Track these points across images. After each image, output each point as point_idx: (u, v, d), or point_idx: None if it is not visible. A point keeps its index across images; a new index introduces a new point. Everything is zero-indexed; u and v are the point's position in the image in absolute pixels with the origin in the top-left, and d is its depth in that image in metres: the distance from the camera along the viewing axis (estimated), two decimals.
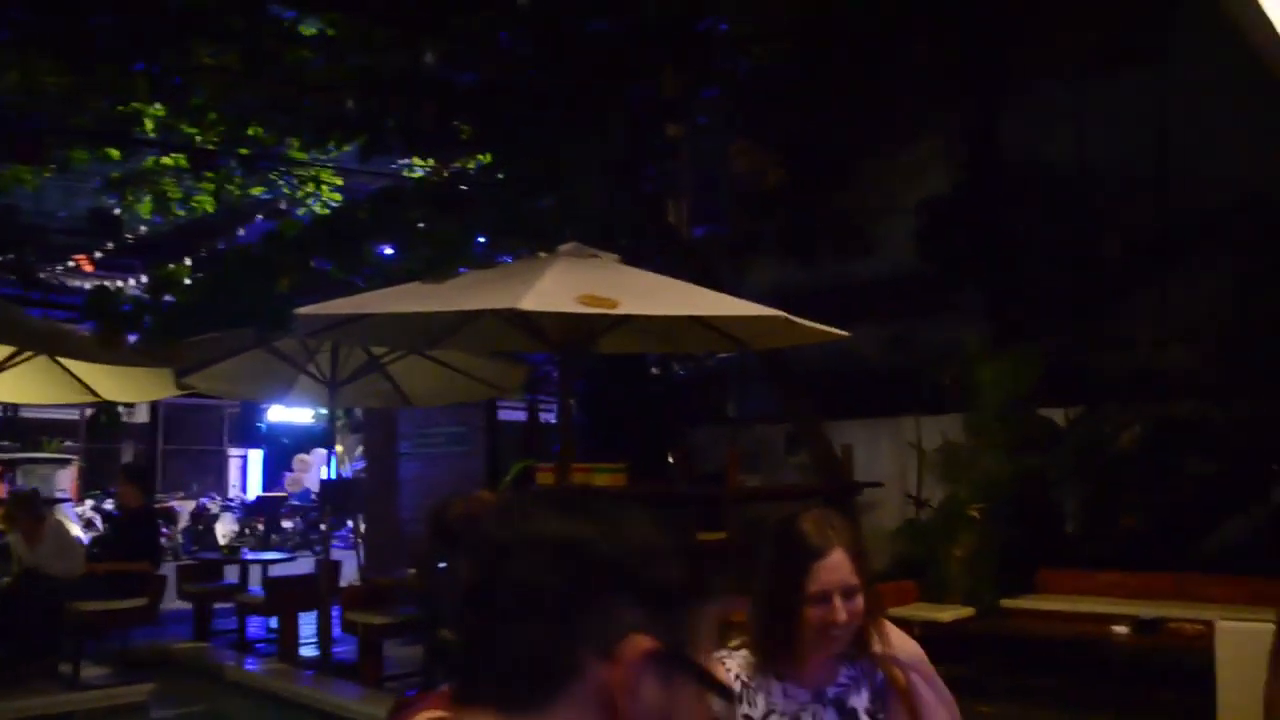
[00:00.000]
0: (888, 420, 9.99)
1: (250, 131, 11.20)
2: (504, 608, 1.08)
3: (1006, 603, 7.41)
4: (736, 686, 2.25)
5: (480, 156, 12.10)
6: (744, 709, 2.24)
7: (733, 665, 2.29)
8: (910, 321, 10.59)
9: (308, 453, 25.90)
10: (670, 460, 10.97)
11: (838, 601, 2.13)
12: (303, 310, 6.08)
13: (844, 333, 6.35)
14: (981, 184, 10.66)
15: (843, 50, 10.58)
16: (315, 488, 22.73)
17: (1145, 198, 9.67)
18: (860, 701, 2.29)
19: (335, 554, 11.45)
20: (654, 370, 13.13)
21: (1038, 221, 10.47)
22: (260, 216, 17.67)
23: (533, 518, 1.12)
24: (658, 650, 1.06)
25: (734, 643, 2.36)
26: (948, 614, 7.23)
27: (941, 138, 11.26)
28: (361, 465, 17.35)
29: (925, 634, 7.24)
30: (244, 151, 11.88)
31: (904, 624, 7.21)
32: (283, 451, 27.62)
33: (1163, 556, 7.59)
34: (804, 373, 10.45)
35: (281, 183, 14.05)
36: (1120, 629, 6.48)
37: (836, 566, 2.15)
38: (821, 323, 6.21)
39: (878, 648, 2.32)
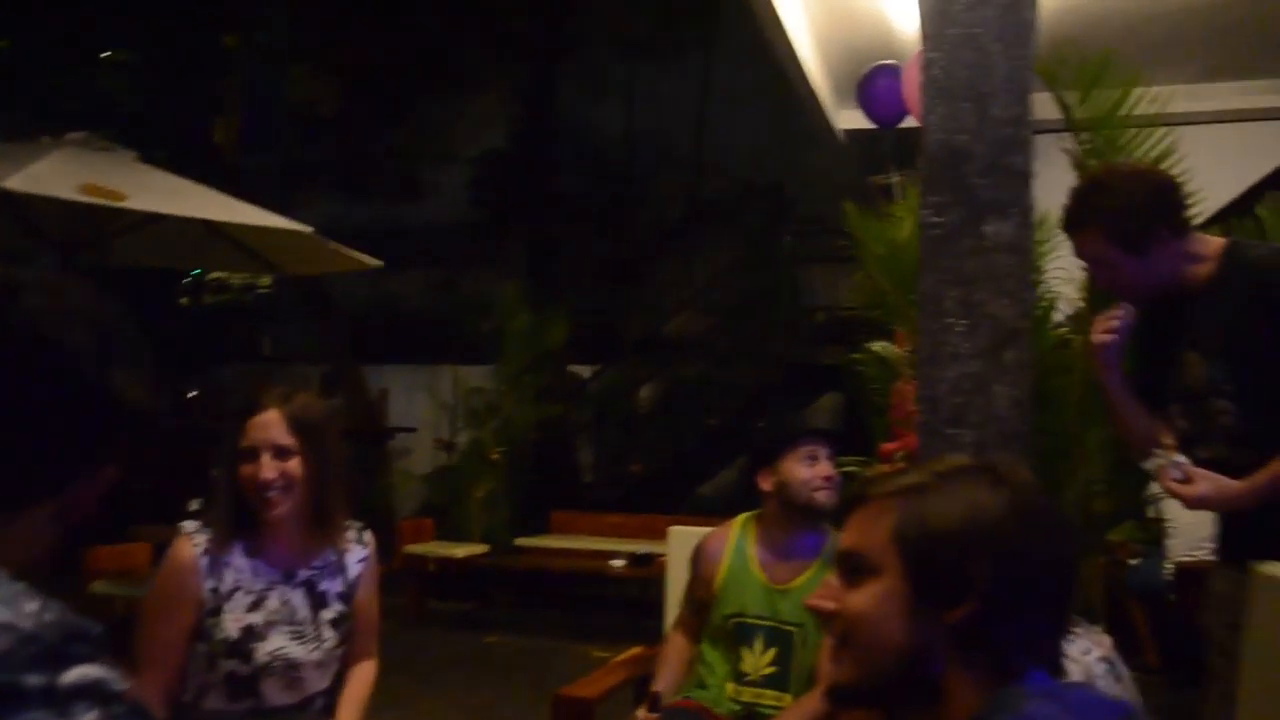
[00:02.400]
0: (428, 367, 10.01)
1: None
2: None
3: (520, 541, 7.72)
4: (203, 561, 2.12)
5: None
6: (210, 583, 2.12)
7: (200, 540, 2.15)
8: (458, 270, 10.69)
9: None
10: (189, 397, 10.22)
11: (266, 458, 2.10)
12: None
13: (377, 261, 6.24)
14: (535, 144, 10.98)
15: None
16: None
17: (680, 177, 10.51)
18: (332, 586, 2.25)
19: None
20: (184, 300, 12.17)
21: (585, 187, 11.02)
22: None
23: None
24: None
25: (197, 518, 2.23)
26: (461, 550, 7.40)
27: (505, 93, 11.46)
28: None
29: (439, 569, 7.40)
30: None
31: (419, 559, 7.36)
32: None
33: (664, 501, 8.31)
34: (347, 314, 10.19)
35: None
36: (618, 563, 6.97)
37: (266, 424, 2.12)
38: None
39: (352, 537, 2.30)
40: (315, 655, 2.20)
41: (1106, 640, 1.70)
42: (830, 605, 1.15)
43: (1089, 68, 3.18)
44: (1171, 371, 2.30)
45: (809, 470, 2.43)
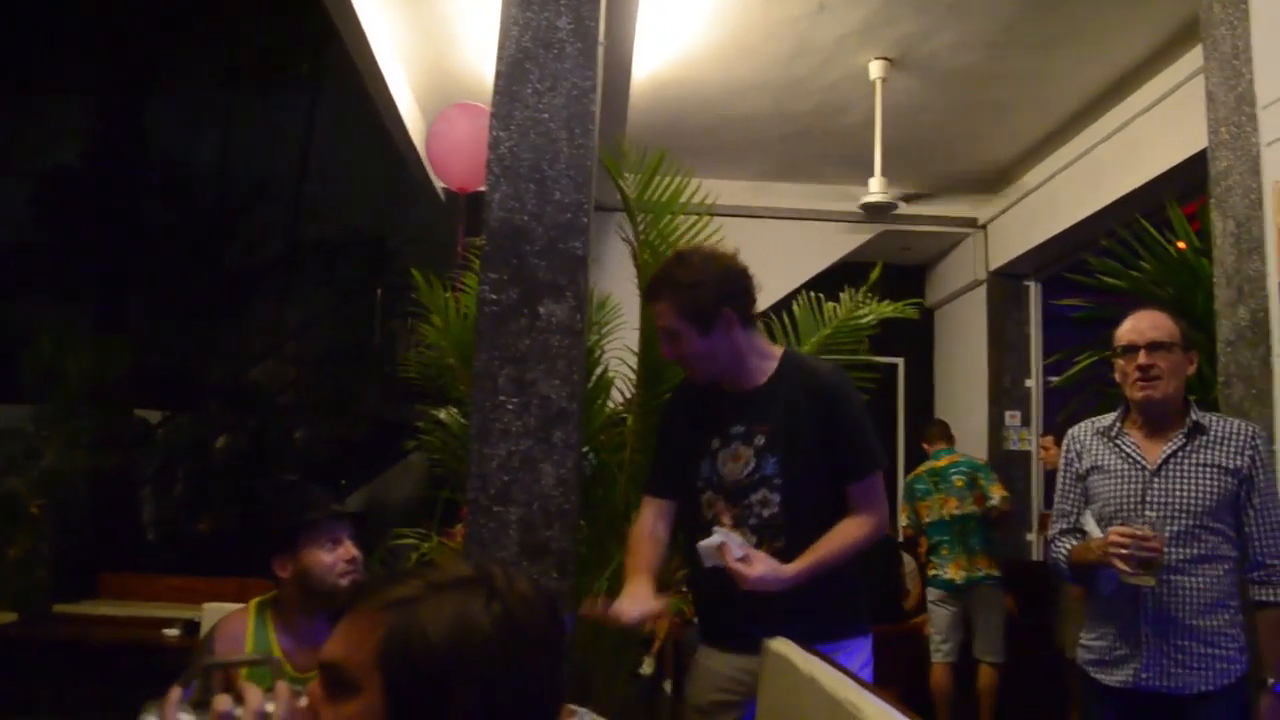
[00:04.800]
0: None
1: None
2: None
3: (60, 608, 6.86)
4: None
5: None
6: None
7: None
8: (4, 295, 9.44)
9: None
10: None
11: None
12: None
13: None
14: (115, 167, 10.02)
15: None
16: None
17: (277, 215, 10.01)
18: None
19: None
20: None
21: (171, 217, 10.19)
22: None
23: None
24: None
25: None
26: None
27: (80, 109, 10.38)
28: None
29: None
30: None
31: None
32: None
33: (237, 563, 7.73)
34: None
35: None
36: (172, 632, 6.37)
37: None
38: None
39: None
40: None
41: None
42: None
43: (652, 160, 3.36)
44: (704, 463, 2.44)
45: (331, 555, 2.30)
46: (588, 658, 3.27)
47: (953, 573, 5.50)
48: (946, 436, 6.02)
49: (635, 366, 3.39)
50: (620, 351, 3.59)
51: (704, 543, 2.27)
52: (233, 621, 2.40)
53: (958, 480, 5.63)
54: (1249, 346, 3.09)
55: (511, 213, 2.87)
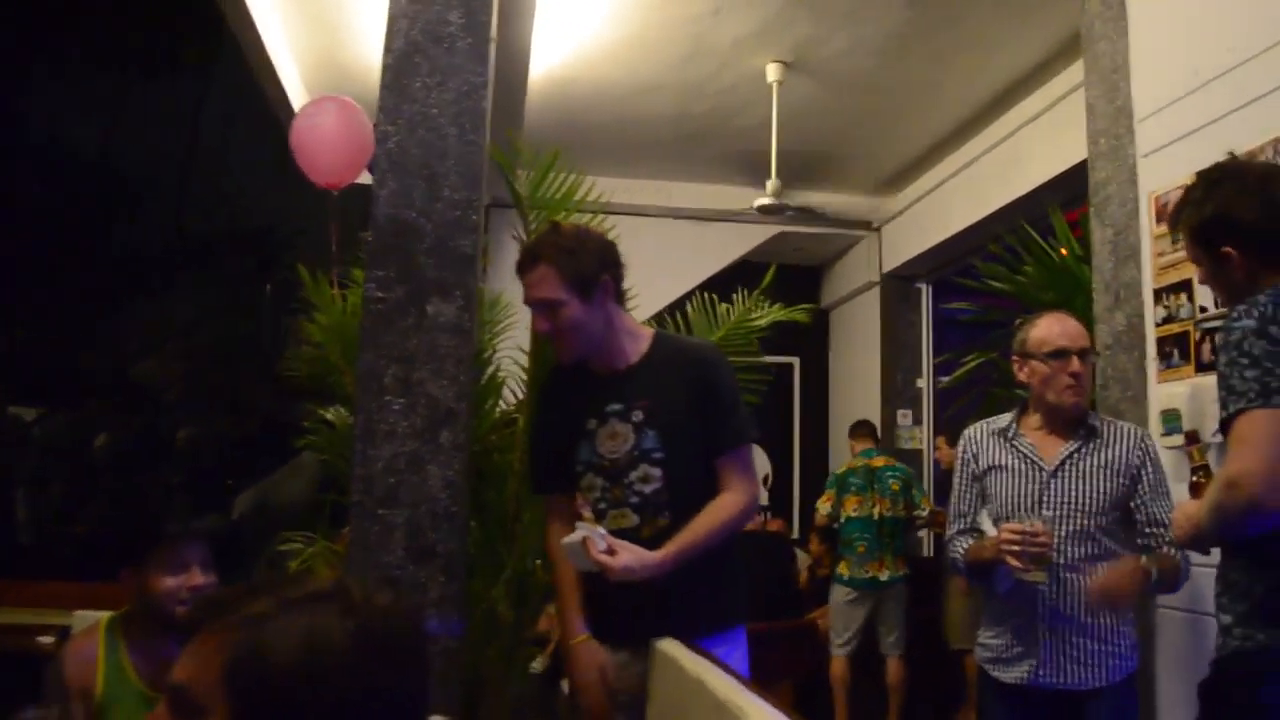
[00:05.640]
0: None
1: None
2: None
3: None
4: None
5: None
6: None
7: None
8: None
9: None
10: None
11: None
12: None
13: None
14: None
15: None
16: None
17: (164, 206, 9.66)
18: None
19: None
20: None
21: (51, 204, 9.74)
22: None
23: None
24: None
25: None
26: None
27: None
28: None
29: None
30: None
31: None
32: None
33: (118, 566, 7.44)
34: None
35: None
36: (46, 639, 6.10)
37: None
38: None
39: None
40: None
41: None
42: None
43: (546, 157, 3.32)
44: (583, 446, 2.41)
45: (175, 580, 2.17)
46: (479, 659, 3.23)
47: (874, 571, 5.60)
48: (873, 436, 6.13)
49: (527, 366, 3.35)
50: (512, 351, 3.54)
51: (565, 540, 2.24)
52: (83, 642, 2.27)
53: (893, 484, 5.74)
54: (1125, 351, 3.20)
55: (399, 209, 2.80)
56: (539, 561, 3.33)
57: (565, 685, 6.14)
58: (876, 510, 5.66)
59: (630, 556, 2.19)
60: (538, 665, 5.75)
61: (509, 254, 3.53)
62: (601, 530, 2.26)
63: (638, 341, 2.42)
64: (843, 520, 5.73)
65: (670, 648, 2.14)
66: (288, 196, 8.53)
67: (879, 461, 5.85)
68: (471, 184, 2.85)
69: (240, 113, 9.36)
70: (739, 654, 2.37)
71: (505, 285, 3.80)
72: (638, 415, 2.35)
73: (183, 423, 8.21)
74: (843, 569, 5.70)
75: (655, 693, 2.23)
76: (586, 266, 2.30)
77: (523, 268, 2.35)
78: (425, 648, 1.12)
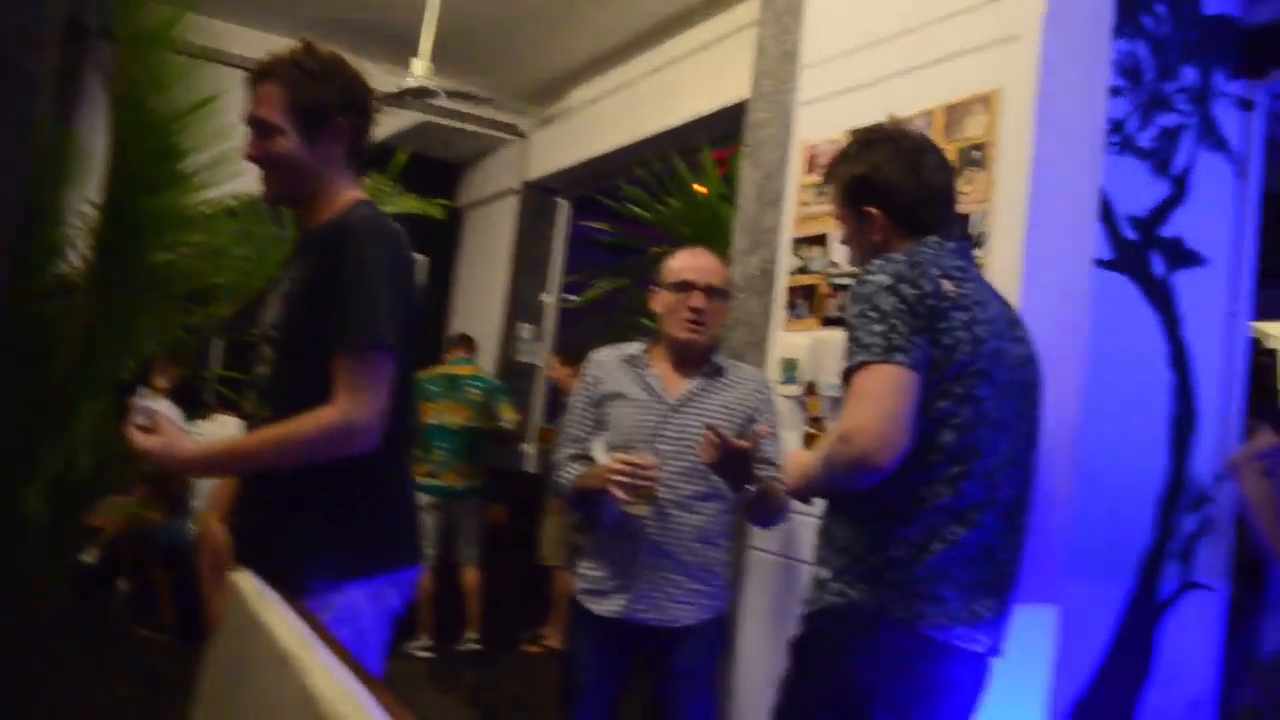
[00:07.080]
0: None
1: None
2: None
3: None
4: None
5: None
6: None
7: None
8: None
9: None
10: None
11: None
12: None
13: None
14: None
15: None
16: None
17: None
18: None
19: None
20: None
21: None
22: None
23: None
24: None
25: None
26: None
27: None
28: None
29: None
30: None
31: None
32: None
33: None
34: None
35: None
36: None
37: None
38: None
39: None
40: None
41: None
42: None
43: None
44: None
45: None
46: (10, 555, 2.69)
47: (450, 480, 5.43)
48: (467, 346, 5.90)
49: (97, 227, 2.76)
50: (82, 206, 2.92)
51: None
52: None
53: (473, 394, 5.54)
54: (756, 296, 3.20)
55: None
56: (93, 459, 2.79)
57: (124, 585, 5.59)
58: (454, 419, 5.50)
59: (159, 442, 1.81)
60: (89, 557, 5.20)
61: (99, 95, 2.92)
62: (153, 405, 1.89)
63: (339, 202, 1.96)
64: (422, 426, 5.54)
65: (242, 581, 1.81)
66: None
67: (463, 370, 5.67)
68: None
69: None
70: (343, 616, 1.85)
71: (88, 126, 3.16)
72: (285, 285, 1.95)
73: None
74: (420, 476, 5.52)
75: (220, 632, 1.88)
76: (322, 99, 1.90)
77: (254, 79, 1.91)
78: None
